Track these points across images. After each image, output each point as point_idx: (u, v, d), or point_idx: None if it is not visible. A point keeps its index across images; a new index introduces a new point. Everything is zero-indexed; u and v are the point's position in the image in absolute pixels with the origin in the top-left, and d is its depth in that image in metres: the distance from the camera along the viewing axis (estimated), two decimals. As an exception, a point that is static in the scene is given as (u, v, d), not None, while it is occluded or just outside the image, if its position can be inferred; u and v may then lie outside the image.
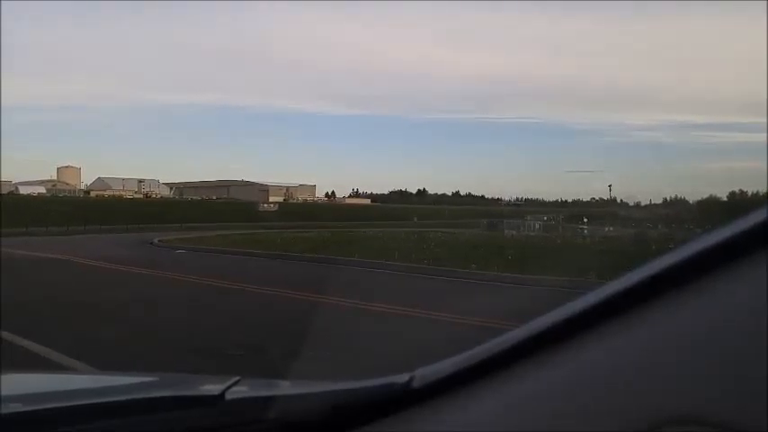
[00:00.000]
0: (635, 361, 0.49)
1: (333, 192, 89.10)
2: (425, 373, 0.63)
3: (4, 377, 1.35)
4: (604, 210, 58.74)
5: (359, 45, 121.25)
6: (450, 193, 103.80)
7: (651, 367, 0.47)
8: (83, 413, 0.84)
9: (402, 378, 0.66)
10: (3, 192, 49.54)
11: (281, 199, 67.91)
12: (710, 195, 51.86)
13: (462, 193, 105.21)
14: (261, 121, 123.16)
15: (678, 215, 35.62)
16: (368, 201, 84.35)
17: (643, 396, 0.46)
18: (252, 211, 51.18)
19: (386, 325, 6.31)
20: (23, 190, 56.74)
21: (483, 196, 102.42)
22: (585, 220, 42.96)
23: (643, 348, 0.49)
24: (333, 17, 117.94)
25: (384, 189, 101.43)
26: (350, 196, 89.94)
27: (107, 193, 63.31)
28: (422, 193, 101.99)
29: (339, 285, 8.89)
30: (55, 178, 69.76)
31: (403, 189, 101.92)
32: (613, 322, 0.51)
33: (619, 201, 73.16)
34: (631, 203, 70.52)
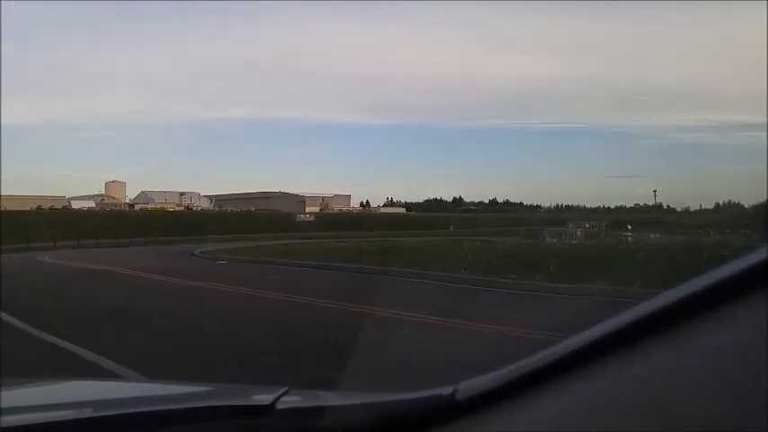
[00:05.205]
0: (675, 377, 0.48)
1: (367, 201, 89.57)
2: (468, 386, 0.64)
3: (57, 385, 1.39)
4: (650, 216, 56.76)
5: (392, 54, 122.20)
6: (486, 201, 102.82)
7: (696, 383, 0.47)
8: (136, 421, 0.86)
9: (446, 390, 0.66)
10: (57, 207, 52.20)
11: (317, 209, 68.69)
12: None
13: (499, 200, 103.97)
14: (296, 133, 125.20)
15: (733, 220, 33.97)
16: (402, 209, 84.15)
17: (686, 412, 0.46)
18: (289, 222, 52.05)
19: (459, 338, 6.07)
20: (75, 204, 59.48)
21: (521, 203, 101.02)
22: (629, 226, 41.65)
23: (688, 364, 0.48)
24: (365, 28, 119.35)
25: (419, 198, 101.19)
26: (384, 205, 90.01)
27: (150, 205, 65.49)
28: (457, 201, 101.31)
29: (396, 298, 8.72)
30: (103, 193, 72.80)
31: (438, 197, 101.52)
32: (658, 338, 0.50)
33: (665, 206, 70.38)
34: (679, 209, 67.79)
